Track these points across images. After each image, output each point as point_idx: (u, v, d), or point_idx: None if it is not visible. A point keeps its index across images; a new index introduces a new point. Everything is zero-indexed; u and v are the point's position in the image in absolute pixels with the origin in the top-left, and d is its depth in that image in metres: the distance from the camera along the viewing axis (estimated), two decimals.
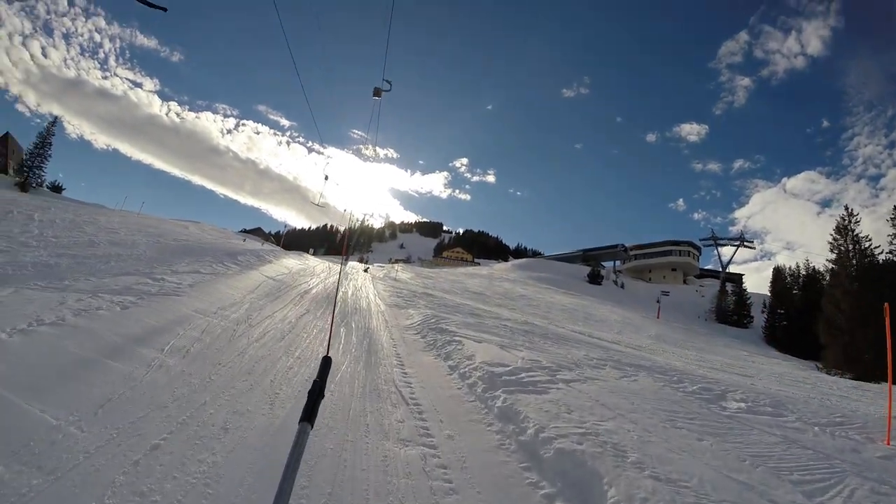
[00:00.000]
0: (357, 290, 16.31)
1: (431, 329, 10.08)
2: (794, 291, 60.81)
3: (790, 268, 66.02)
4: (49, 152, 59.63)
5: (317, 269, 19.38)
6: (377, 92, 11.28)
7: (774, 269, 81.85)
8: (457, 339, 8.90)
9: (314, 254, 61.31)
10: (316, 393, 1.31)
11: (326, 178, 35.82)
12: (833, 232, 41.65)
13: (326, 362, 1.51)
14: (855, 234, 39.60)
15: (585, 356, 9.35)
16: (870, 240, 39.58)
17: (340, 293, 14.09)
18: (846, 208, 41.16)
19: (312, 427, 1.21)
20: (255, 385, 4.80)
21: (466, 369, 6.87)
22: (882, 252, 39.99)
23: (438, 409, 5.36)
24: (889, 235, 40.59)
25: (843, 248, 39.93)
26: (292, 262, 19.35)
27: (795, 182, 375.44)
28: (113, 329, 5.08)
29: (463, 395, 5.96)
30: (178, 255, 12.14)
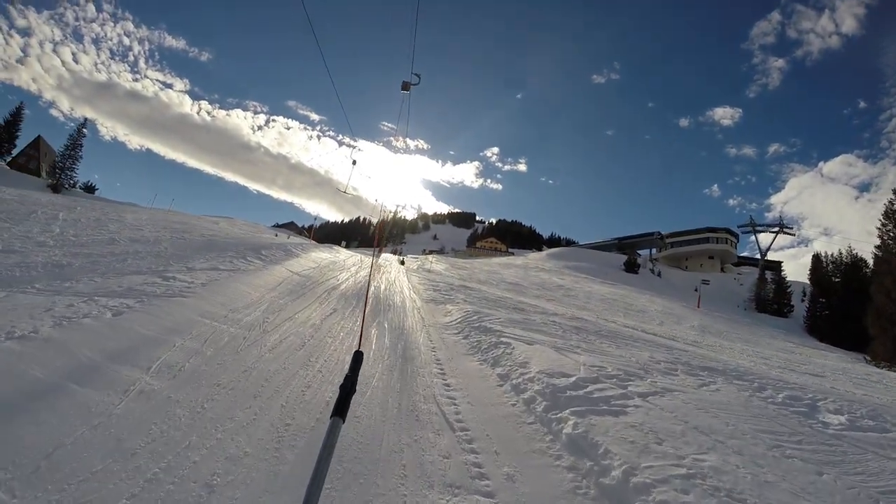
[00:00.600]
0: (391, 284, 15.38)
1: (474, 328, 9.00)
2: (835, 279, 58.34)
3: (832, 255, 63.06)
4: (80, 153, 61.65)
5: (347, 263, 18.53)
6: (406, 86, 11.04)
7: (814, 256, 78.68)
8: (504, 339, 7.81)
9: (346, 246, 61.19)
10: (348, 388, 1.32)
11: (354, 163, 35.11)
12: (881, 217, 39.33)
13: (358, 357, 1.50)
14: None
15: (651, 359, 8.14)
16: None
17: (373, 288, 13.17)
18: (895, 192, 38.62)
19: (344, 422, 1.21)
20: (260, 413, 3.80)
21: (521, 380, 5.77)
22: None
23: (491, 436, 4.29)
24: None
25: (892, 234, 37.47)
26: (322, 256, 18.55)
27: (832, 166, 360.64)
28: (93, 343, 4.15)
29: (520, 415, 4.87)
30: (200, 251, 11.51)
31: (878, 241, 39.75)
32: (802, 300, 64.17)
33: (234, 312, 6.73)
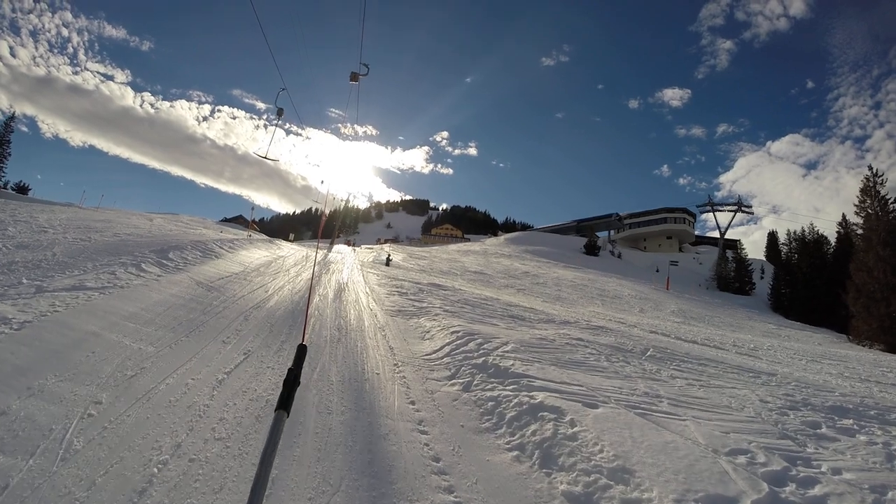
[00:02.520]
0: (343, 289, 11.95)
1: (475, 366, 5.73)
2: (794, 257, 58.96)
3: (794, 232, 63.71)
4: (8, 150, 55.06)
5: (288, 263, 14.83)
6: (354, 76, 11.13)
7: (769, 233, 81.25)
8: (537, 395, 4.59)
9: (294, 240, 56.63)
10: (291, 381, 1.30)
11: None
12: (859, 194, 38.63)
13: (302, 350, 1.48)
14: (883, 196, 36.55)
15: (765, 404, 5.16)
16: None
17: (317, 298, 9.81)
18: (870, 168, 38.36)
19: (288, 415, 1.19)
20: None
21: None
22: None
23: None
24: None
25: (870, 210, 36.93)
26: (256, 255, 14.82)
27: (780, 145, 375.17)
28: None
29: None
30: (94, 257, 8.45)
31: (858, 220, 38.82)
32: (761, 277, 64.73)
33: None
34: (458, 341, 6.87)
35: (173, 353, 4.77)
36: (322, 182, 33.66)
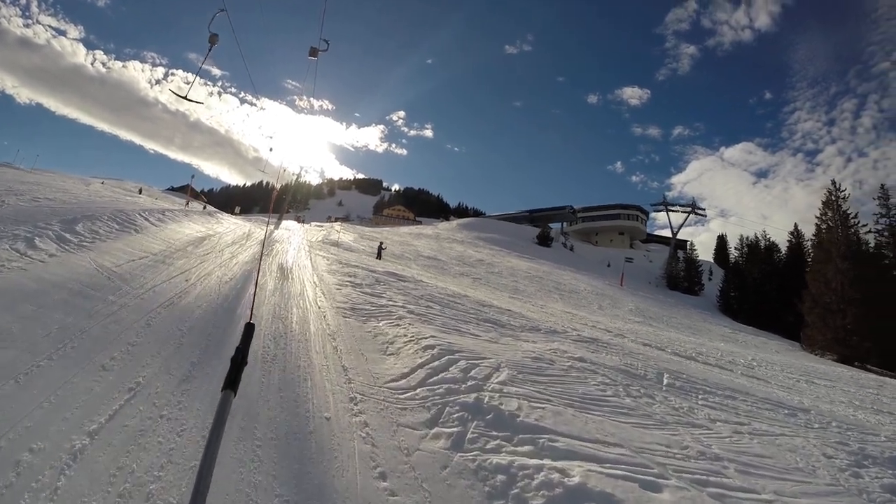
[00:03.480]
0: (285, 276, 10.22)
1: (466, 410, 4.19)
2: (743, 262, 61.13)
3: (747, 238, 66.05)
4: None
5: (224, 240, 12.87)
6: (313, 52, 10.69)
7: (719, 237, 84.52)
8: (569, 462, 3.24)
9: (239, 213, 53.31)
10: (238, 360, 1.28)
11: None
12: (821, 206, 39.87)
13: (249, 329, 1.46)
14: (844, 210, 37.68)
15: (842, 464, 4.13)
16: (856, 216, 37.88)
17: (253, 286, 8.18)
18: (833, 182, 40.06)
19: (235, 395, 1.18)
20: None
21: None
22: (869, 231, 38.87)
23: None
24: (875, 214, 39.81)
25: (830, 223, 38.06)
26: (188, 231, 12.71)
27: (733, 152, 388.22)
28: None
29: None
30: None
31: (816, 230, 40.07)
32: (710, 279, 66.59)
33: None
34: (435, 363, 5.39)
35: (18, 392, 3.08)
36: (271, 150, 31.32)
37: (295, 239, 21.39)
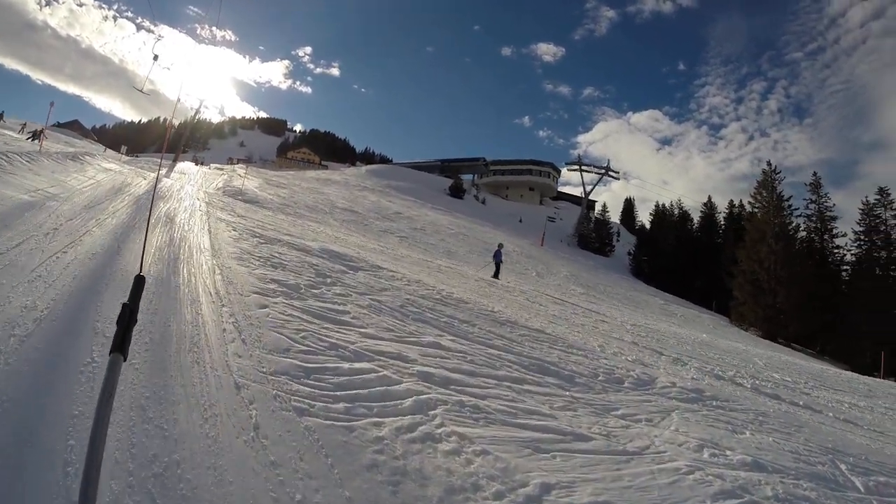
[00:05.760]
0: (175, 256, 6.13)
1: None
2: (650, 226, 63.63)
3: (663, 205, 68.44)
4: None
5: (68, 209, 8.23)
6: None
7: (626, 199, 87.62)
8: None
9: (127, 154, 45.43)
10: (126, 318, 1.11)
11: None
12: (756, 186, 41.27)
13: (139, 282, 1.27)
14: (780, 193, 38.78)
15: None
16: (789, 198, 39.63)
17: (147, 224, 4.29)
18: (769, 164, 42.42)
19: (126, 359, 1.06)
20: None
21: None
22: (800, 214, 41.14)
23: None
24: (805, 199, 42.05)
25: (765, 203, 39.13)
26: (28, 186, 8.08)
27: (640, 118, 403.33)
28: None
29: None
30: None
31: (752, 210, 41.89)
32: (617, 240, 68.07)
33: None
34: None
35: None
36: (155, 59, 25.15)
37: (189, 190, 16.47)
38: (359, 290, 7.00)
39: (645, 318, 19.48)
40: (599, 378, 5.96)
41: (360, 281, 7.67)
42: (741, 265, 37.70)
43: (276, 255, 7.93)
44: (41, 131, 27.52)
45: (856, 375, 15.59)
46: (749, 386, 8.00)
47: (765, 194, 39.79)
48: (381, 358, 4.57)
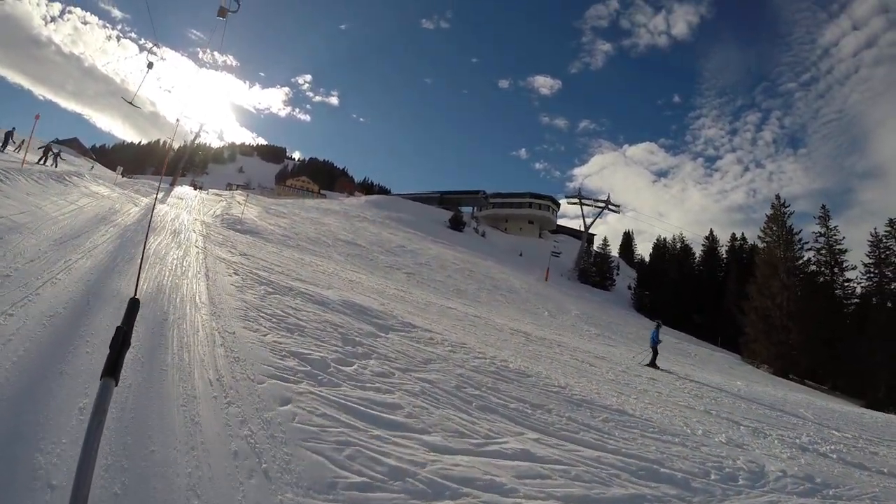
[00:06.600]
0: (162, 309, 4.74)
1: None
2: (659, 261, 62.62)
3: (664, 238, 68.07)
4: None
5: (53, 230, 6.77)
6: (222, 12, 10.24)
7: (625, 233, 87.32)
8: None
9: (122, 174, 43.72)
10: (120, 342, 1.04)
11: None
12: (766, 221, 40.30)
13: (133, 305, 1.18)
14: (789, 227, 37.92)
15: None
16: (799, 232, 38.69)
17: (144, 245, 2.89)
18: (777, 197, 40.85)
19: (117, 383, 0.98)
20: None
21: None
22: (810, 248, 39.62)
23: None
24: (814, 233, 40.69)
25: (776, 238, 38.28)
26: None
27: (636, 150, 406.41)
28: None
29: None
30: None
31: (762, 244, 40.89)
32: (617, 274, 66.84)
33: None
34: None
35: None
36: (150, 67, 23.46)
37: (185, 219, 15.01)
38: (399, 362, 5.50)
39: (673, 363, 18.09)
40: (712, 477, 5.03)
41: (397, 349, 6.17)
42: (753, 301, 36.30)
43: (290, 311, 6.43)
44: (49, 149, 25.79)
45: (892, 417, 15.36)
46: (835, 457, 7.39)
47: (775, 228, 38.79)
48: (468, 490, 3.07)
